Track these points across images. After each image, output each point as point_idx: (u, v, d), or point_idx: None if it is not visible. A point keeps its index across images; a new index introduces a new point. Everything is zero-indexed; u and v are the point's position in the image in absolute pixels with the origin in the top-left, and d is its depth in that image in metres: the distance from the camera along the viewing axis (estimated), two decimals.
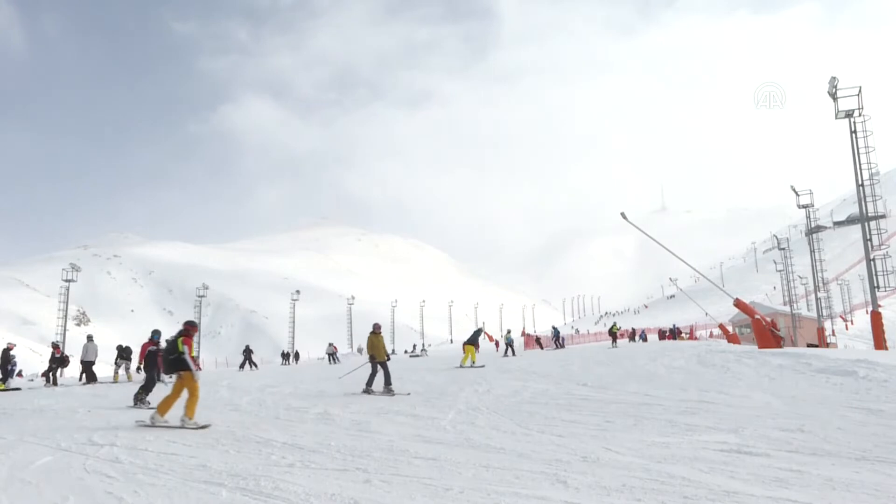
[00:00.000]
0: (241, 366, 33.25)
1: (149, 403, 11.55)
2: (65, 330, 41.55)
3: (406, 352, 64.95)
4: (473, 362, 20.77)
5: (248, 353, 33.60)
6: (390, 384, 12.99)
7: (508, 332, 32.46)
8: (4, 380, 18.58)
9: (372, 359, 13.31)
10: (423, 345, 67.56)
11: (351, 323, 77.32)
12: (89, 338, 20.45)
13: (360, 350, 50.62)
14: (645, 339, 47.81)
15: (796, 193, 35.30)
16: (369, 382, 13.01)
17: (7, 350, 19.14)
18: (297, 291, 73.88)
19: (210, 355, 61.94)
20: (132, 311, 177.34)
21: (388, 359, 13.56)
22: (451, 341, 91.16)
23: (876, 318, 23.02)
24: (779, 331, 27.37)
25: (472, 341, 21.82)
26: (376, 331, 13.86)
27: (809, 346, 32.27)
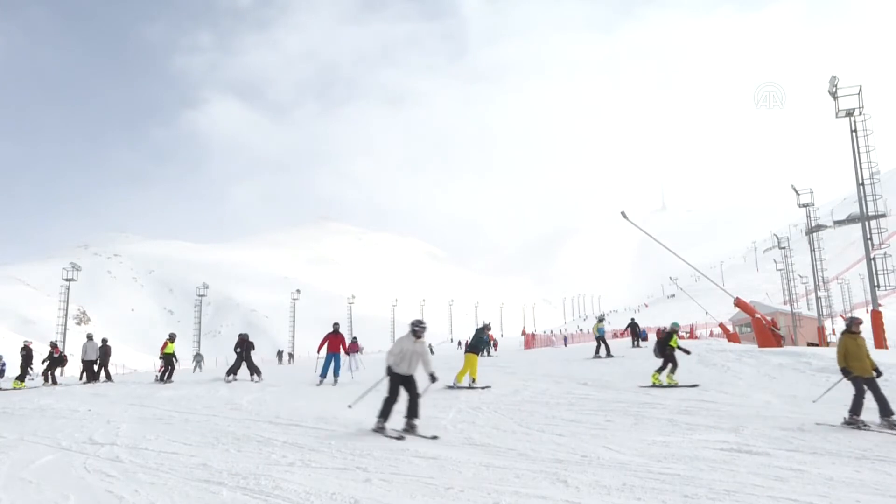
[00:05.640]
0: (234, 370, 16.86)
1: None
2: (65, 329, 41.60)
3: None
4: (474, 379, 13.29)
5: (246, 348, 17.11)
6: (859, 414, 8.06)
7: (600, 319, 23.34)
8: (23, 378, 18.70)
9: (845, 372, 8.37)
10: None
11: (351, 322, 77.28)
12: (89, 336, 20.42)
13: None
14: (645, 339, 47.83)
15: (796, 192, 35.26)
16: (855, 410, 8.06)
17: (26, 347, 19.43)
18: (298, 291, 73.88)
19: (210, 355, 61.88)
20: (132, 309, 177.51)
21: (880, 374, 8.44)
22: (451, 340, 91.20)
23: (876, 317, 23.00)
24: (779, 330, 27.39)
25: (474, 347, 14.24)
26: (853, 329, 8.55)
27: (810, 345, 32.22)
